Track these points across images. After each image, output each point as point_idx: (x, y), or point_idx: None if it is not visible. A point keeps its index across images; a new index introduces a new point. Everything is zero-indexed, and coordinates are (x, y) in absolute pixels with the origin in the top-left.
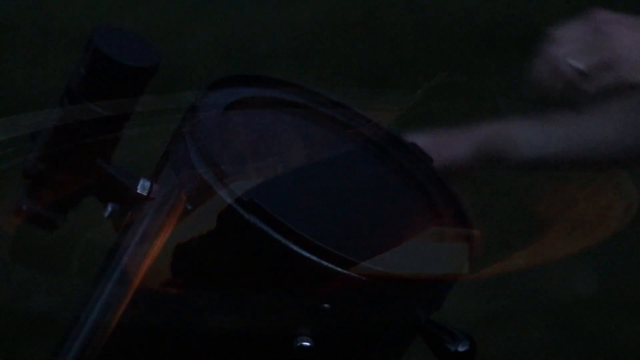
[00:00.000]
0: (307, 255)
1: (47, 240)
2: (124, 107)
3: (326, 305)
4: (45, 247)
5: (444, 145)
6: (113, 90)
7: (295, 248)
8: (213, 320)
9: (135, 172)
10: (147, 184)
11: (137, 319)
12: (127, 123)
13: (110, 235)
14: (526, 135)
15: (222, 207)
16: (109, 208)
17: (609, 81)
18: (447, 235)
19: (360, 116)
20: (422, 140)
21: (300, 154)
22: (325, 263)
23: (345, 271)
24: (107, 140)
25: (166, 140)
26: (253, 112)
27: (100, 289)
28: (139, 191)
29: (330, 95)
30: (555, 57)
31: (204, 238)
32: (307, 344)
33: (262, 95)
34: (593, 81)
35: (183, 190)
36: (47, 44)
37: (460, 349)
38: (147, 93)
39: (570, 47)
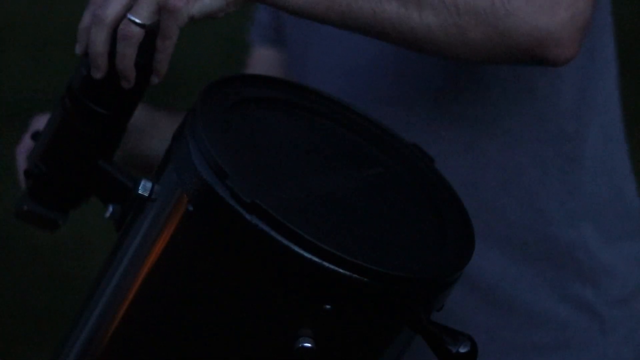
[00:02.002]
0: (309, 256)
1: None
2: (125, 108)
3: (327, 306)
4: (45, 247)
5: None
6: (113, 92)
7: (296, 249)
8: (214, 320)
9: (136, 173)
10: (149, 184)
11: (138, 319)
12: (127, 123)
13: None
14: None
15: (223, 208)
16: (110, 208)
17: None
18: (448, 235)
19: (361, 116)
20: None
21: (302, 154)
22: (326, 264)
23: (346, 272)
24: (107, 140)
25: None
26: (254, 113)
27: (101, 290)
28: (140, 192)
29: (331, 95)
30: (108, 17)
31: (205, 239)
32: (309, 344)
33: (263, 95)
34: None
35: (184, 191)
36: (47, 44)
37: (462, 349)
38: (148, 93)
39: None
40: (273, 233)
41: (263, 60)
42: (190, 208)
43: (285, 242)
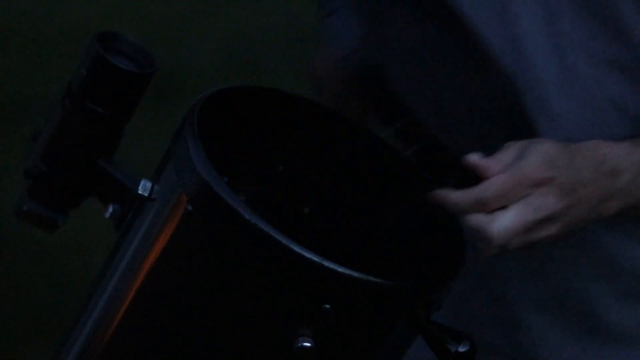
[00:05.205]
0: (309, 256)
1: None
2: (125, 108)
3: (327, 306)
4: (45, 247)
5: None
6: (113, 93)
7: (296, 249)
8: (214, 320)
9: (136, 173)
10: (149, 184)
11: (138, 319)
12: (127, 123)
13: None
14: None
15: (223, 208)
16: (110, 208)
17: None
18: (447, 235)
19: (359, 124)
20: None
21: (301, 156)
22: (326, 264)
23: (346, 271)
24: (107, 140)
25: (167, 141)
26: (254, 113)
27: (101, 290)
28: (140, 192)
29: (327, 104)
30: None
31: (205, 239)
32: (308, 344)
33: (263, 106)
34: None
35: (184, 191)
36: (47, 44)
37: (461, 349)
38: (148, 93)
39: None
40: (273, 232)
41: None
42: (190, 208)
43: (285, 241)
